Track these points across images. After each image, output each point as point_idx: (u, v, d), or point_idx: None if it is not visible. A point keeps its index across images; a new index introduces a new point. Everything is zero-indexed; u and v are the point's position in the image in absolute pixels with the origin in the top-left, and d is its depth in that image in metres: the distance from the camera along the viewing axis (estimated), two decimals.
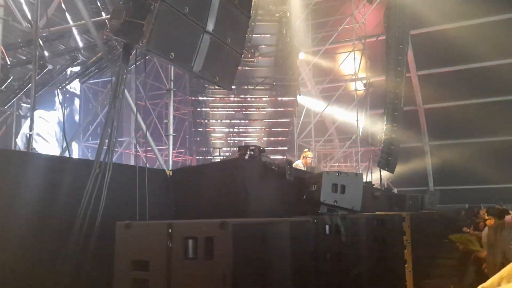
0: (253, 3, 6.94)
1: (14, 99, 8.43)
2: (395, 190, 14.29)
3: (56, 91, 8.43)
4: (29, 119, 11.90)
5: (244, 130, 15.24)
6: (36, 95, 5.90)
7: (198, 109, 14.97)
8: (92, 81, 14.74)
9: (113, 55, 6.65)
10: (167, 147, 5.94)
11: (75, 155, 14.15)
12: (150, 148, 5.18)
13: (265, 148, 5.34)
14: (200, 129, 14.95)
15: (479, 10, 15.69)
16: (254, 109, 15.46)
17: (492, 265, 5.80)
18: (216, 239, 2.70)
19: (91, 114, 7.39)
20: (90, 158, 11.57)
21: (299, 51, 16.10)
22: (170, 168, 5.46)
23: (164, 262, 2.84)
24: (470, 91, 16.74)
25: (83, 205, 3.80)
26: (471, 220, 11.17)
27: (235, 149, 6.14)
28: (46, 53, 6.93)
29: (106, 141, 4.01)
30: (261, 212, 4.71)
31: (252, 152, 4.96)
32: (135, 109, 4.73)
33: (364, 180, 10.20)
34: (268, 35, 15.63)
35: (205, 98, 14.87)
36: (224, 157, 14.02)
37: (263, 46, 15.38)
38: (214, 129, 15.13)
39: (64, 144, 5.06)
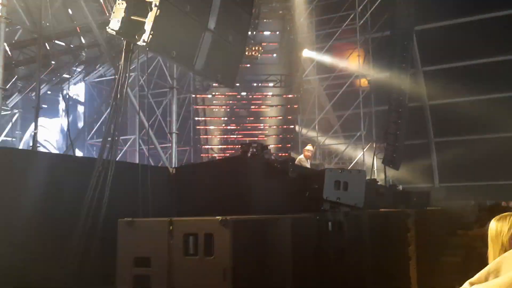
0: (255, 1, 6.94)
1: (19, 98, 8.51)
2: (400, 187, 14.24)
3: (60, 92, 8.48)
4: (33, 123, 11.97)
5: (247, 127, 15.25)
6: (40, 94, 5.94)
7: (202, 106, 15.00)
8: (96, 79, 14.82)
9: (116, 54, 6.68)
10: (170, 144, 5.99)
11: (80, 153, 14.22)
12: (153, 146, 5.21)
13: (268, 146, 5.35)
14: (204, 127, 14.97)
15: (485, 5, 15.58)
16: (258, 107, 15.46)
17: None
18: (216, 236, 2.73)
19: (95, 112, 7.45)
20: (95, 156, 11.64)
21: (303, 48, 16.06)
22: (174, 166, 5.49)
23: (165, 258, 2.87)
24: (476, 87, 16.62)
25: (86, 202, 3.83)
26: (476, 217, 11.11)
27: (238, 146, 6.17)
28: (49, 52, 6.96)
29: (109, 139, 4.04)
30: (264, 209, 4.72)
31: (254, 150, 4.97)
32: (137, 107, 4.76)
33: (369, 177, 10.19)
34: (272, 32, 15.61)
35: (209, 95, 14.89)
36: (228, 154, 14.05)
37: (267, 43, 15.37)
38: (218, 126, 15.15)
39: (69, 143, 5.09)
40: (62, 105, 14.12)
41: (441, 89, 17.26)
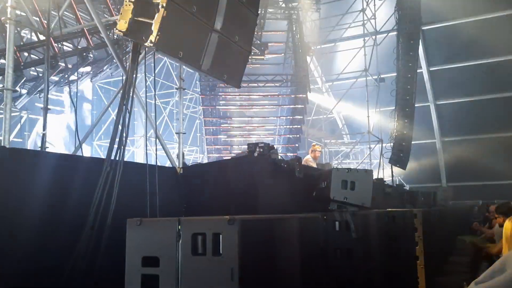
0: (261, 1, 6.95)
1: (27, 99, 8.58)
2: (407, 187, 14.19)
3: (69, 89, 8.52)
4: (39, 121, 12.09)
5: (254, 127, 15.26)
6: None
7: (209, 106, 15.03)
8: (103, 80, 14.91)
9: (124, 54, 6.72)
10: (177, 145, 5.99)
11: (87, 154, 14.32)
12: (159, 146, 5.23)
13: (275, 146, 5.36)
14: (211, 127, 15.00)
15: (491, 4, 15.49)
16: (265, 107, 15.48)
17: None
18: (223, 235, 2.73)
19: (102, 113, 7.47)
20: (102, 157, 11.69)
21: (309, 47, 16.05)
22: (181, 166, 5.51)
23: (174, 258, 2.88)
24: (482, 87, 16.55)
25: (94, 203, 3.86)
26: (484, 217, 11.06)
27: (245, 146, 6.18)
28: (58, 53, 7.02)
29: (117, 139, 4.07)
30: (270, 209, 4.73)
31: (261, 150, 4.98)
32: (145, 108, 4.78)
33: (375, 177, 10.16)
34: (278, 32, 15.62)
35: (215, 95, 14.92)
36: (234, 154, 14.06)
37: (273, 44, 15.38)
38: (225, 126, 15.18)
39: (77, 143, 5.12)
40: (66, 102, 14.23)
41: (448, 88, 17.20)
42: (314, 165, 9.42)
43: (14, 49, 4.84)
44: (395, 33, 13.48)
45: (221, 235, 2.72)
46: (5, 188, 3.63)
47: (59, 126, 13.99)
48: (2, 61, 8.03)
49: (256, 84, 14.93)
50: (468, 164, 16.42)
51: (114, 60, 8.91)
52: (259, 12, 5.20)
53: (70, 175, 4.14)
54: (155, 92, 4.79)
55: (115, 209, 3.99)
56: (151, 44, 3.64)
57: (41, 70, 8.65)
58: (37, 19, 7.66)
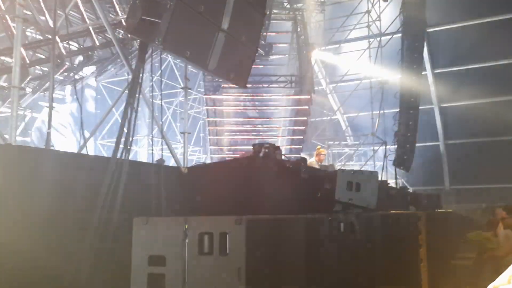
0: (267, 1, 6.95)
1: (32, 98, 8.60)
2: (411, 189, 14.14)
3: (73, 87, 8.54)
4: (41, 112, 12.09)
5: (258, 128, 15.25)
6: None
7: (213, 107, 15.02)
8: (108, 79, 14.93)
9: (129, 53, 6.73)
10: (181, 145, 6.01)
11: (91, 153, 14.32)
12: (165, 147, 5.23)
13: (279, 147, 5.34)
14: (215, 127, 14.99)
15: (497, 7, 15.44)
16: (269, 108, 15.47)
17: None
18: (230, 235, 2.74)
19: (107, 113, 7.52)
20: (105, 156, 11.71)
21: (314, 49, 16.03)
22: (185, 166, 5.51)
23: (180, 257, 2.88)
24: (487, 90, 16.48)
25: (100, 201, 3.86)
26: (488, 220, 11.02)
27: (249, 147, 6.17)
28: (63, 52, 7.03)
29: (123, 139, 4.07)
30: (275, 209, 4.72)
31: (266, 150, 4.98)
32: (151, 107, 4.78)
33: (379, 179, 10.11)
34: (283, 33, 15.61)
35: (219, 96, 14.91)
36: (238, 155, 14.04)
37: (278, 44, 15.37)
38: (228, 127, 15.16)
39: (82, 141, 5.13)
40: (67, 91, 14.25)
41: (452, 91, 17.15)
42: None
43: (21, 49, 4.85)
44: (400, 35, 13.45)
45: (228, 235, 2.73)
46: (12, 185, 3.63)
47: (63, 114, 14.06)
48: (7, 59, 8.06)
49: (260, 85, 14.92)
50: (472, 167, 16.36)
51: (119, 60, 8.93)
52: (266, 12, 5.21)
53: (76, 173, 4.14)
54: (161, 91, 4.79)
55: (120, 207, 3.99)
56: (159, 44, 3.65)
57: (46, 68, 8.67)
58: (43, 18, 7.68)
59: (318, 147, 11.53)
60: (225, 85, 14.32)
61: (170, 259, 2.90)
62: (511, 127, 15.92)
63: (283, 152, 7.98)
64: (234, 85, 10.58)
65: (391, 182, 12.41)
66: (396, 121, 13.03)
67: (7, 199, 3.56)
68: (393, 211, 6.65)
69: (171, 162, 6.02)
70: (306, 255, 3.62)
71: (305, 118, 14.78)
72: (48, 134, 5.62)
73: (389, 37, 15.54)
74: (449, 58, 17.11)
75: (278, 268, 3.18)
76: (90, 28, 7.69)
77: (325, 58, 17.27)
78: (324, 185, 5.05)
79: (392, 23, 15.14)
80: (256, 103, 15.27)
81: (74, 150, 10.56)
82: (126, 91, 4.50)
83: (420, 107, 13.25)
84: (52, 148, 5.55)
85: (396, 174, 13.07)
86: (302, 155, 13.98)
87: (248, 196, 4.75)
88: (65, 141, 13.94)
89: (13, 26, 6.27)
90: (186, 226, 2.86)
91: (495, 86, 16.40)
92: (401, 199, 9.26)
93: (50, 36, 7.35)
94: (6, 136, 4.16)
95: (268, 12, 12.71)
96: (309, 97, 14.51)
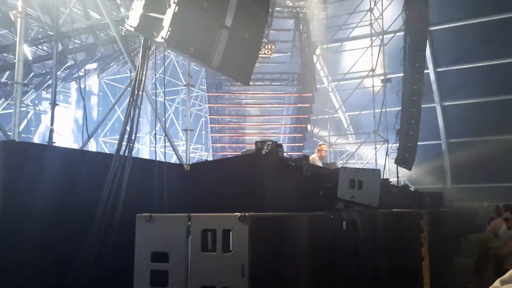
0: None
1: (35, 94, 8.61)
2: (412, 188, 14.14)
3: (77, 84, 8.55)
4: (47, 115, 12.14)
5: (260, 126, 15.25)
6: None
7: (215, 104, 15.02)
8: (110, 77, 14.93)
9: (132, 50, 6.73)
10: (183, 142, 6.01)
11: (93, 149, 14.37)
12: (167, 144, 5.23)
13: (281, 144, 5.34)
14: (217, 125, 15.00)
15: (499, 5, 15.40)
16: (270, 105, 15.46)
17: None
18: (234, 232, 2.73)
19: (109, 110, 7.54)
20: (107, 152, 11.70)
21: (316, 46, 16.02)
22: (188, 163, 5.51)
23: (183, 254, 2.88)
24: (489, 88, 16.46)
25: (103, 197, 3.86)
26: (489, 218, 11.01)
27: (251, 144, 6.18)
28: (66, 49, 7.03)
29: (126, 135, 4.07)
30: (278, 207, 4.72)
31: (269, 148, 4.97)
32: (154, 104, 4.78)
33: (381, 177, 10.11)
34: (285, 31, 15.59)
35: (221, 93, 14.91)
36: (240, 152, 14.04)
37: (280, 42, 15.35)
38: (231, 124, 15.17)
39: (85, 138, 5.13)
40: (73, 97, 14.31)
41: (455, 90, 17.12)
42: (320, 165, 9.41)
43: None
44: (402, 33, 13.42)
45: (231, 232, 2.72)
46: (14, 182, 3.64)
47: (66, 120, 14.10)
48: (10, 56, 8.07)
49: (262, 83, 14.92)
50: (474, 165, 16.34)
51: (121, 57, 8.93)
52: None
53: (79, 170, 4.15)
54: (164, 89, 4.79)
55: (123, 204, 4.00)
56: (162, 40, 3.64)
57: (48, 65, 8.68)
58: (46, 15, 7.69)
59: (320, 143, 11.53)
60: (227, 83, 14.32)
61: (173, 256, 2.90)
62: None
63: (284, 149, 7.98)
64: (236, 83, 10.57)
65: (393, 180, 12.41)
66: (398, 119, 13.02)
67: (10, 195, 3.56)
68: (396, 210, 6.65)
69: (173, 159, 6.03)
70: (308, 253, 3.63)
71: (307, 116, 14.78)
72: (51, 130, 5.62)
73: (391, 35, 15.52)
74: (452, 56, 17.08)
75: (281, 266, 3.18)
76: (93, 25, 7.69)
77: (327, 55, 17.24)
78: (326, 183, 5.05)
79: (394, 21, 15.11)
80: (258, 100, 15.27)
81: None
82: (129, 89, 4.50)
83: (422, 106, 13.23)
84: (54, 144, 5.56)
85: (398, 173, 13.06)
86: (304, 152, 13.98)
87: (250, 193, 4.75)
88: (68, 144, 13.99)
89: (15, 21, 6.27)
90: (190, 223, 2.85)
91: (498, 85, 16.37)
92: (403, 198, 9.26)
93: (53, 33, 7.35)
94: (10, 133, 4.17)
95: (270, 10, 12.68)
96: (311, 95, 14.50)
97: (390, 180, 10.28)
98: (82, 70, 8.68)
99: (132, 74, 5.22)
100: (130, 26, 3.78)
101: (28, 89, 8.35)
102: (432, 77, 17.34)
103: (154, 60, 5.71)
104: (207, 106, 15.53)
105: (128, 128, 4.08)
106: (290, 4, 15.53)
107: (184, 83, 7.72)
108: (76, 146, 13.70)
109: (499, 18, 15.74)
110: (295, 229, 3.48)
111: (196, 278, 2.82)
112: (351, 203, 4.95)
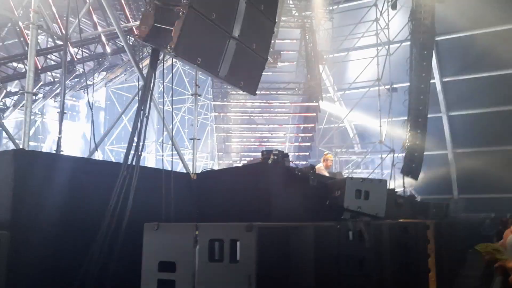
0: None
1: (43, 103, 8.69)
2: (419, 198, 14.08)
3: (84, 93, 8.60)
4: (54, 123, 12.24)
5: (266, 135, 15.28)
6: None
7: (221, 113, 15.07)
8: (117, 86, 15.05)
9: (139, 60, 6.79)
10: (189, 151, 6.05)
11: (100, 158, 14.44)
12: (175, 152, 5.26)
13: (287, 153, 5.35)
14: (222, 133, 15.04)
15: (505, 16, 15.41)
16: (276, 114, 15.50)
17: None
18: (241, 242, 2.73)
19: (118, 118, 7.63)
20: (114, 161, 11.76)
21: (322, 56, 16.07)
22: (194, 171, 5.53)
23: (191, 263, 2.88)
24: (496, 98, 16.43)
25: (110, 206, 3.88)
26: (496, 230, 10.93)
27: (257, 154, 6.20)
28: (75, 58, 7.12)
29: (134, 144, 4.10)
30: (284, 217, 4.72)
31: (275, 157, 4.98)
32: (161, 114, 4.82)
33: (387, 187, 10.07)
34: (291, 41, 15.67)
35: (227, 103, 14.98)
36: (245, 161, 14.05)
37: (286, 52, 15.43)
38: (236, 133, 15.20)
39: (92, 146, 5.17)
40: (83, 112, 14.45)
41: (461, 100, 17.09)
42: (326, 174, 9.39)
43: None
44: (408, 43, 13.45)
45: (238, 242, 2.72)
46: (22, 191, 3.66)
47: (74, 134, 14.21)
48: (19, 65, 8.16)
49: (268, 92, 14.97)
50: (480, 176, 16.25)
51: (129, 66, 9.02)
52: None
53: (86, 179, 4.17)
54: (172, 98, 4.82)
55: (130, 213, 4.01)
56: (171, 50, 3.68)
57: (57, 74, 8.77)
58: (55, 24, 7.78)
59: (326, 152, 11.51)
60: (233, 92, 14.38)
61: (180, 265, 2.90)
62: None
63: (290, 159, 7.99)
64: (242, 92, 10.61)
65: (399, 191, 12.36)
66: (404, 129, 13.01)
67: (20, 203, 3.59)
68: (402, 220, 6.62)
69: (179, 168, 6.05)
70: (315, 263, 3.62)
71: (312, 125, 14.79)
72: (59, 139, 5.67)
73: (397, 45, 15.55)
74: (458, 66, 17.08)
75: (288, 276, 3.18)
76: (102, 34, 7.78)
77: (333, 65, 17.28)
78: (333, 193, 5.05)
79: (400, 31, 15.15)
80: (264, 109, 15.32)
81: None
82: (137, 98, 4.54)
83: (428, 116, 13.22)
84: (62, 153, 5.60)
85: (404, 183, 13.02)
86: (310, 162, 13.96)
87: (257, 203, 4.75)
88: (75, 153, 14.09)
89: (27, 33, 6.36)
90: (197, 232, 2.86)
91: (504, 95, 16.33)
92: (409, 208, 9.21)
93: (62, 42, 7.44)
94: (19, 141, 4.21)
95: (276, 20, 12.77)
96: (317, 104, 14.53)
97: (396, 190, 10.25)
98: (90, 79, 8.76)
99: (139, 83, 5.27)
100: (139, 36, 3.82)
101: (37, 98, 8.44)
102: (438, 87, 17.33)
103: (161, 69, 5.77)
104: (213, 115, 15.60)
105: (135, 138, 4.11)
106: (297, 14, 15.62)
107: (191, 93, 7.78)
108: (83, 154, 13.84)
109: (505, 29, 15.75)
110: (301, 239, 3.48)
111: (203, 287, 2.82)
112: (358, 213, 4.94)
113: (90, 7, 7.86)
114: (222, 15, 4.13)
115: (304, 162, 13.76)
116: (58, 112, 5.82)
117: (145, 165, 13.21)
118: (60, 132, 5.97)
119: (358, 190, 4.98)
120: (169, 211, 4.39)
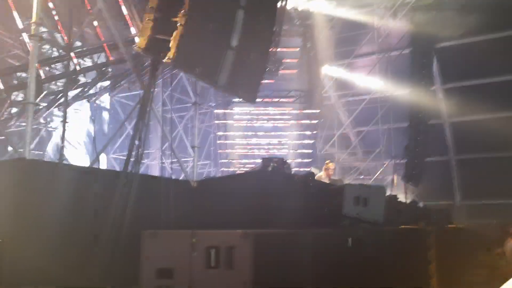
0: (278, 18, 7.07)
1: (47, 112, 8.78)
2: (421, 204, 14.05)
3: (90, 103, 8.68)
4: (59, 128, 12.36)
5: (268, 142, 15.33)
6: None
7: (223, 121, 15.15)
8: (121, 94, 15.15)
9: (142, 69, 6.87)
10: (191, 158, 6.11)
11: (103, 166, 14.52)
12: (175, 160, 5.32)
13: (288, 161, 5.40)
14: (225, 141, 15.10)
15: (507, 22, 15.43)
16: (278, 122, 15.56)
17: None
18: (237, 249, 2.79)
19: (120, 127, 7.69)
20: (117, 169, 11.82)
21: (323, 64, 16.14)
22: (195, 179, 5.58)
23: (188, 270, 2.93)
24: (497, 105, 16.38)
25: (111, 214, 3.94)
26: (499, 237, 10.87)
27: (259, 161, 6.25)
28: (77, 68, 7.20)
29: (134, 152, 4.16)
30: (284, 223, 4.76)
31: (275, 164, 5.04)
32: (161, 122, 4.89)
33: (388, 194, 10.07)
34: (292, 49, 15.75)
35: (230, 110, 15.05)
36: (248, 168, 14.10)
37: (287, 60, 15.51)
38: (239, 141, 15.26)
39: (94, 155, 5.24)
40: (86, 112, 14.54)
41: (462, 106, 17.07)
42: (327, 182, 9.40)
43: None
44: (409, 50, 13.50)
45: (234, 249, 2.77)
46: (25, 198, 3.73)
47: (79, 132, 14.33)
48: (23, 75, 8.26)
49: (269, 100, 15.04)
50: (482, 182, 16.17)
51: (132, 75, 9.08)
52: (274, 29, 5.31)
53: (87, 186, 4.23)
54: (171, 107, 4.89)
55: (130, 220, 4.06)
56: (169, 61, 3.75)
57: (60, 84, 8.85)
58: (59, 34, 7.88)
59: (327, 161, 11.52)
60: (235, 100, 14.45)
61: (177, 272, 2.96)
62: None
63: (292, 166, 8.02)
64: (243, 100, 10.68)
65: (401, 197, 12.35)
66: (405, 136, 13.03)
67: (22, 211, 3.66)
68: (403, 226, 6.63)
69: (181, 175, 6.10)
70: (313, 270, 3.65)
71: (314, 132, 14.83)
72: (62, 148, 5.75)
73: (398, 52, 15.59)
74: (459, 73, 17.06)
75: (284, 283, 3.22)
76: (105, 44, 7.86)
77: (334, 73, 17.34)
78: (331, 200, 5.09)
79: (401, 39, 15.20)
80: (266, 117, 15.38)
81: (87, 164, 10.73)
82: (138, 106, 4.61)
83: (430, 122, 13.24)
84: (65, 161, 5.67)
85: (405, 189, 13.01)
86: (312, 169, 13.98)
87: (256, 210, 4.79)
88: (79, 156, 14.18)
89: (29, 44, 6.47)
90: (194, 240, 2.91)
91: (506, 101, 16.29)
92: (411, 214, 9.20)
93: (65, 52, 7.54)
94: (21, 150, 4.28)
95: (278, 29, 12.86)
96: (318, 111, 14.58)
97: (397, 197, 10.25)
98: (93, 89, 8.86)
99: (142, 91, 5.34)
100: (139, 47, 3.90)
101: (40, 107, 8.52)
102: (440, 93, 17.32)
103: (163, 78, 5.84)
104: (215, 123, 15.67)
105: (135, 146, 4.17)
106: (298, 22, 15.72)
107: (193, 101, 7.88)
108: (86, 156, 13.96)
109: (506, 35, 15.76)
110: (299, 246, 3.52)
111: None
112: (356, 220, 4.97)
113: (94, 18, 7.94)
114: (220, 26, 4.21)
115: (306, 169, 13.79)
116: (61, 122, 5.89)
117: (146, 173, 13.30)
118: (62, 142, 6.04)
119: (356, 196, 5.01)
120: (169, 218, 4.44)
